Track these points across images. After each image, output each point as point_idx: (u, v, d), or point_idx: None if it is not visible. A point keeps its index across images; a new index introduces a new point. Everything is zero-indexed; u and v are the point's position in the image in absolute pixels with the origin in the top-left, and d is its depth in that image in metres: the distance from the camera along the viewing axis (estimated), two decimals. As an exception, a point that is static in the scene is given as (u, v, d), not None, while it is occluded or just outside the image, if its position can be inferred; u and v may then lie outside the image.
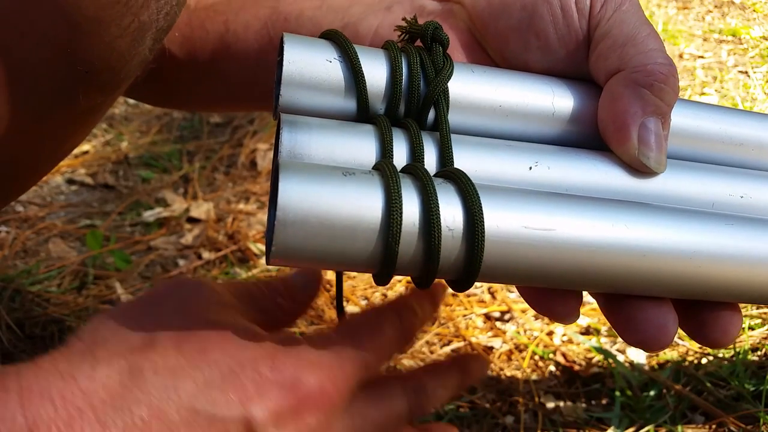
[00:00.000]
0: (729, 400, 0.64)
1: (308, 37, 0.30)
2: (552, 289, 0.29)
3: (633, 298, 0.28)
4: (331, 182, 0.23)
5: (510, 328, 0.74)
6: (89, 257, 0.83)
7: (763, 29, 1.69)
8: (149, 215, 0.92)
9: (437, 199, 0.24)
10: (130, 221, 0.91)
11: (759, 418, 0.62)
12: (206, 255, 0.85)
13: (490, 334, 0.73)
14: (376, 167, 0.26)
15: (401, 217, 0.23)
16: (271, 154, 1.04)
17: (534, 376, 0.67)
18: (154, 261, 0.84)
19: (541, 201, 0.25)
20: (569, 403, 0.64)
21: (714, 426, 0.61)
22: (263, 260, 0.83)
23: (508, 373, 0.68)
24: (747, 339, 0.71)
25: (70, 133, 0.35)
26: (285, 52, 0.29)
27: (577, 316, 0.29)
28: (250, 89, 0.44)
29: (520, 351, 0.70)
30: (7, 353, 0.68)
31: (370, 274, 0.26)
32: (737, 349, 0.68)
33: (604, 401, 0.64)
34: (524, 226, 0.25)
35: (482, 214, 0.24)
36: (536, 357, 0.70)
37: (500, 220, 0.25)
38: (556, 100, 0.32)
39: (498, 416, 0.63)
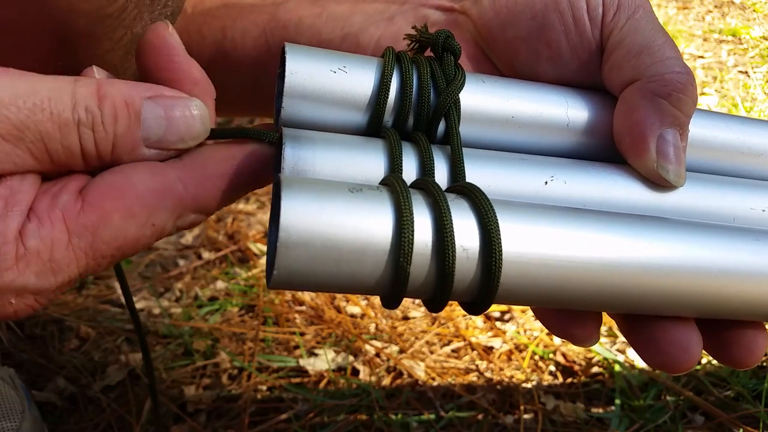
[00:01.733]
0: (729, 400, 0.64)
1: (310, 47, 0.29)
2: (570, 312, 0.27)
3: (655, 318, 0.27)
4: (336, 200, 0.22)
5: (510, 328, 0.73)
6: (89, 257, 0.83)
7: (763, 29, 1.69)
8: (149, 215, 0.92)
9: (451, 217, 0.22)
10: (130, 221, 0.91)
11: (759, 419, 0.62)
12: (206, 255, 0.85)
13: (490, 334, 0.73)
14: (384, 182, 0.24)
15: (413, 236, 0.22)
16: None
17: (534, 376, 0.67)
18: (154, 261, 0.84)
19: (559, 218, 0.24)
20: (569, 403, 0.64)
21: (714, 426, 0.61)
22: (263, 260, 0.83)
23: (508, 373, 0.68)
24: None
25: None
26: (287, 63, 0.28)
27: (597, 339, 0.28)
28: (249, 97, 0.43)
29: (520, 351, 0.70)
30: (7, 353, 0.68)
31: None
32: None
33: (604, 401, 0.64)
34: (542, 245, 0.23)
35: (499, 232, 0.22)
36: (536, 357, 0.70)
37: (517, 238, 0.23)
38: (570, 111, 0.31)
39: (498, 416, 0.63)
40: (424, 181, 0.24)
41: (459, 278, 0.23)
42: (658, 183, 0.29)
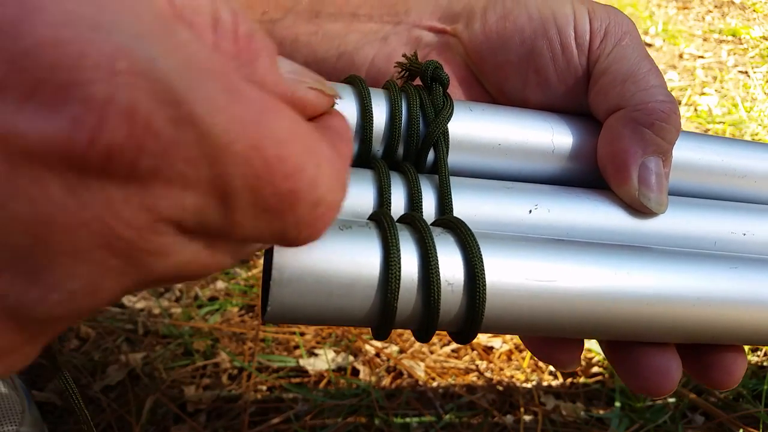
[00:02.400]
0: (729, 400, 0.64)
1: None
2: (554, 339, 0.28)
3: (636, 345, 0.28)
4: (327, 237, 0.23)
5: (510, 328, 0.73)
6: (89, 257, 0.83)
7: (763, 29, 1.69)
8: (149, 215, 0.92)
9: (436, 253, 0.23)
10: (130, 221, 0.91)
11: (759, 419, 0.62)
12: (206, 255, 0.85)
13: (490, 334, 0.73)
14: (373, 218, 0.25)
15: (400, 272, 0.23)
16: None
17: (534, 376, 0.67)
18: (154, 261, 0.84)
19: (541, 250, 0.25)
20: (569, 403, 0.64)
21: (714, 426, 0.61)
22: (262, 260, 0.83)
23: (508, 373, 0.68)
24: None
25: None
26: None
27: (579, 363, 0.29)
28: None
29: (520, 351, 0.70)
30: (7, 353, 0.68)
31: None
32: (737, 349, 0.68)
33: (604, 401, 0.64)
34: (525, 277, 0.24)
35: (483, 267, 0.23)
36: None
37: (501, 271, 0.24)
38: (555, 137, 0.31)
39: (498, 416, 0.63)
40: (411, 217, 0.25)
41: (445, 310, 0.24)
42: (640, 210, 0.29)
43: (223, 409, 0.64)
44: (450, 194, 0.28)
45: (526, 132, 0.31)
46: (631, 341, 0.28)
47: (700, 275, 0.26)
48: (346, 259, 0.22)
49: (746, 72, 1.47)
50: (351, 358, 0.69)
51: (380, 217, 0.24)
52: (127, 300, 0.76)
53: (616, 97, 0.30)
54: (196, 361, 0.68)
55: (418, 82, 0.32)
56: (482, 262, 0.23)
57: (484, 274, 0.23)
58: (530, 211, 0.29)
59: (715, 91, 1.37)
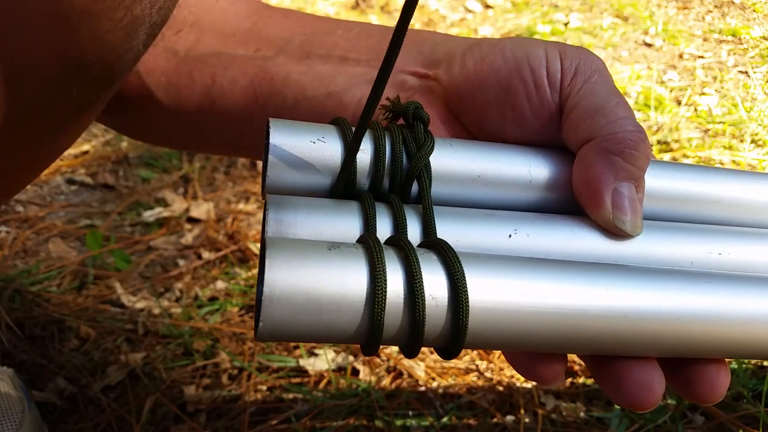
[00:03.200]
0: (729, 400, 0.64)
1: (292, 121, 0.32)
2: (536, 355, 0.29)
3: (618, 359, 0.28)
4: (316, 258, 0.24)
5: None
6: (89, 257, 0.83)
7: (763, 29, 1.69)
8: (149, 215, 0.92)
9: (420, 270, 0.24)
10: (130, 221, 0.91)
11: (759, 419, 0.62)
12: (206, 255, 0.85)
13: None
14: (360, 240, 0.26)
15: (386, 290, 0.24)
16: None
17: (534, 376, 0.67)
18: (154, 261, 0.84)
19: (521, 268, 0.26)
20: (569, 404, 0.64)
21: (714, 426, 0.61)
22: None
23: (508, 373, 0.68)
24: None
25: (65, 130, 0.35)
26: (271, 137, 0.30)
27: (563, 380, 0.29)
28: (232, 143, 0.45)
29: (520, 351, 0.70)
30: (7, 353, 0.68)
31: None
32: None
33: (604, 402, 0.64)
34: (507, 293, 0.25)
35: (465, 283, 0.24)
36: (536, 357, 0.70)
37: (484, 289, 0.25)
38: (532, 169, 0.33)
39: (498, 416, 0.63)
40: (397, 238, 0.26)
41: (430, 326, 0.24)
42: (617, 233, 0.30)
43: (223, 409, 0.64)
44: (433, 220, 0.29)
45: (504, 165, 0.33)
46: (612, 356, 0.28)
47: (676, 288, 0.27)
48: (335, 277, 0.23)
49: (746, 72, 1.47)
50: (351, 358, 0.69)
51: (366, 239, 0.25)
52: (127, 300, 0.76)
53: (587, 129, 0.32)
54: (196, 361, 0.68)
55: (401, 122, 0.34)
56: (464, 277, 0.24)
57: (467, 290, 0.24)
58: (510, 236, 0.30)
59: (715, 91, 1.37)
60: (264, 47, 0.42)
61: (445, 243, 0.26)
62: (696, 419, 0.62)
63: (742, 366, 0.66)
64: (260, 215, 0.92)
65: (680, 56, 1.51)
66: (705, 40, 1.64)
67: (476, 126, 0.36)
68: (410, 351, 0.25)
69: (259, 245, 0.86)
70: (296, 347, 0.70)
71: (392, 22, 1.68)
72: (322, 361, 0.68)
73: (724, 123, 1.23)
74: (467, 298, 0.24)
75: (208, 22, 0.44)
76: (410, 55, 0.38)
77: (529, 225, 0.30)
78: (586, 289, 0.26)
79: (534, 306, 0.25)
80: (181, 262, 0.84)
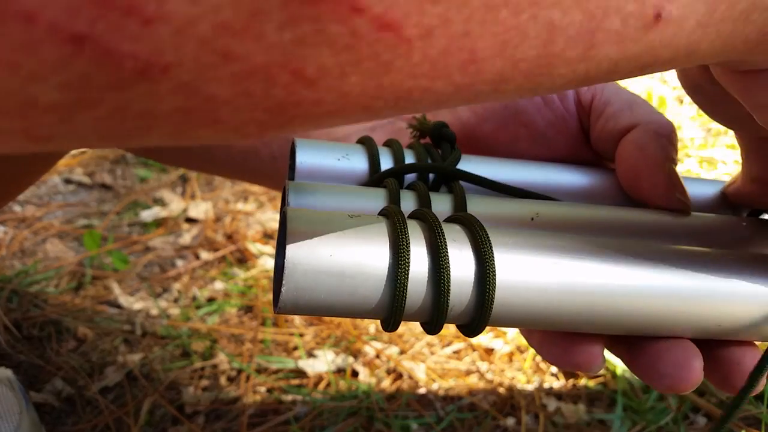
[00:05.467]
0: (731, 401, 0.64)
1: (318, 140, 0.33)
2: (569, 341, 0.28)
3: (651, 342, 0.28)
4: (338, 230, 0.23)
5: (512, 329, 0.73)
6: (87, 257, 0.82)
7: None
8: (147, 215, 0.91)
9: (446, 243, 0.23)
10: (128, 221, 0.91)
11: (761, 420, 0.61)
12: (204, 255, 0.84)
13: (491, 335, 0.72)
14: (382, 212, 0.25)
15: (409, 263, 0.23)
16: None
17: (535, 378, 0.67)
18: (152, 261, 0.83)
19: (548, 243, 0.25)
20: (571, 405, 0.63)
21: (716, 427, 0.61)
22: (262, 260, 0.83)
23: (510, 375, 0.67)
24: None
25: None
26: (297, 155, 0.31)
27: (603, 363, 0.28)
28: (242, 172, 0.46)
29: (522, 352, 0.70)
30: (5, 354, 0.68)
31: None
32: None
33: (606, 403, 0.64)
34: (534, 269, 0.24)
35: (493, 259, 0.23)
36: (538, 358, 0.69)
37: (510, 263, 0.24)
38: (553, 182, 0.34)
39: (499, 418, 0.62)
40: (422, 211, 0.25)
41: (454, 301, 0.24)
42: (676, 209, 0.32)
43: (222, 410, 0.63)
44: (464, 197, 0.29)
45: (528, 179, 0.34)
46: (645, 339, 0.28)
47: (711, 269, 0.26)
48: (357, 251, 0.23)
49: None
50: (351, 359, 0.68)
51: (389, 211, 0.24)
52: (125, 301, 0.76)
53: (629, 118, 0.33)
54: (195, 362, 0.68)
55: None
56: (492, 253, 0.24)
57: (494, 265, 0.23)
58: (532, 219, 0.30)
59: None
60: None
61: (473, 218, 0.25)
62: (698, 420, 0.62)
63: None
64: (259, 215, 0.92)
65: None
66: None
67: (490, 151, 0.37)
68: (433, 327, 0.25)
69: (258, 245, 0.85)
70: (295, 348, 0.70)
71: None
72: (322, 362, 0.68)
73: (725, 122, 1.23)
74: (494, 272, 0.23)
75: None
76: None
77: (551, 209, 0.31)
78: (614, 265, 0.25)
79: (562, 282, 0.24)
80: (180, 263, 0.83)
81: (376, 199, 0.29)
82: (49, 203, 0.94)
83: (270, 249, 0.85)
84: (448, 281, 0.23)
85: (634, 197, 0.33)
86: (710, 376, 0.29)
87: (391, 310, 0.23)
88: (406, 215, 0.25)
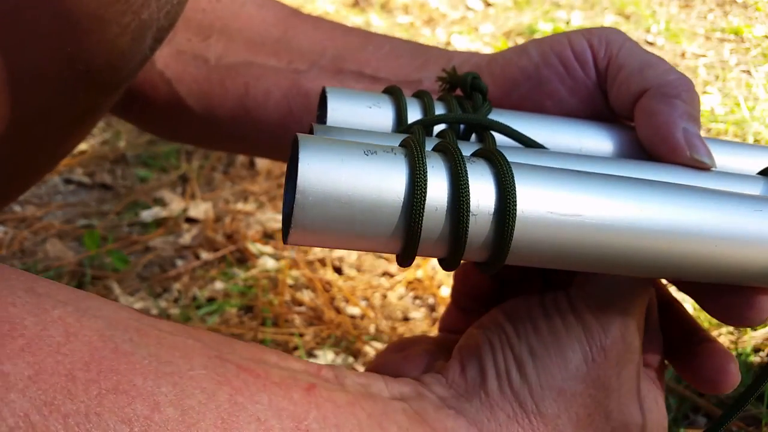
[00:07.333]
0: (731, 401, 0.63)
1: (348, 89, 0.33)
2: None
3: (695, 354, 0.32)
4: (352, 159, 0.22)
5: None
6: (87, 257, 0.82)
7: (766, 28, 1.68)
8: (147, 215, 0.91)
9: (467, 173, 0.23)
10: (128, 221, 0.91)
11: (761, 419, 0.61)
12: (204, 255, 0.84)
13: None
14: (402, 144, 0.25)
15: (425, 195, 0.22)
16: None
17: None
18: (152, 261, 0.84)
19: (571, 182, 0.24)
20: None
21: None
22: (262, 260, 0.83)
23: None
24: (749, 340, 0.70)
25: (70, 133, 0.34)
26: (329, 102, 0.31)
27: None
28: (269, 149, 0.46)
29: (521, 352, 0.70)
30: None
31: (389, 253, 0.25)
32: (739, 350, 0.68)
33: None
34: (556, 206, 0.24)
35: (515, 197, 0.23)
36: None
37: (531, 199, 0.23)
38: (581, 138, 0.34)
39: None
40: (444, 144, 0.24)
41: (473, 235, 0.23)
42: (699, 167, 0.32)
43: (221, 410, 0.63)
44: (495, 144, 0.29)
45: (557, 133, 0.34)
46: (689, 346, 0.30)
47: (726, 213, 0.26)
48: (371, 182, 0.22)
49: (748, 71, 1.46)
50: (351, 359, 0.68)
51: (408, 141, 0.24)
52: (125, 300, 0.76)
53: (640, 83, 0.33)
54: (194, 362, 0.68)
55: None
56: (515, 192, 0.23)
57: (515, 201, 0.23)
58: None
59: (718, 90, 1.37)
60: (296, 60, 0.42)
61: (500, 153, 0.24)
62: (698, 420, 0.62)
63: (744, 367, 0.66)
64: (259, 215, 0.92)
65: (682, 55, 1.51)
66: (707, 38, 1.63)
67: None
68: (449, 263, 0.24)
69: (258, 245, 0.85)
70: (295, 348, 0.70)
71: (392, 20, 1.67)
72: (322, 362, 0.68)
73: (726, 122, 1.22)
74: (515, 204, 0.23)
75: (236, 29, 0.44)
76: (437, 73, 0.38)
77: (582, 163, 0.30)
78: (645, 204, 0.25)
79: (581, 222, 0.24)
80: (180, 263, 0.83)
81: (400, 138, 0.28)
82: (49, 203, 0.94)
83: (270, 249, 0.85)
84: (467, 216, 0.22)
85: (657, 159, 0.33)
86: (725, 316, 0.31)
87: (406, 245, 0.23)
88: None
